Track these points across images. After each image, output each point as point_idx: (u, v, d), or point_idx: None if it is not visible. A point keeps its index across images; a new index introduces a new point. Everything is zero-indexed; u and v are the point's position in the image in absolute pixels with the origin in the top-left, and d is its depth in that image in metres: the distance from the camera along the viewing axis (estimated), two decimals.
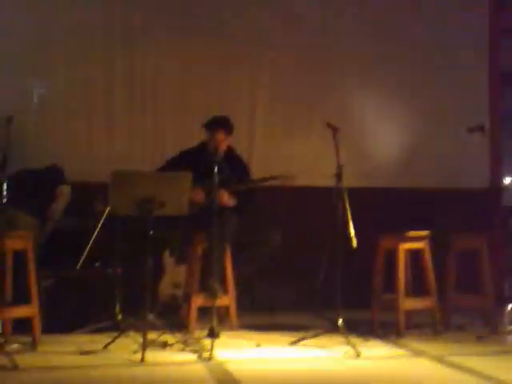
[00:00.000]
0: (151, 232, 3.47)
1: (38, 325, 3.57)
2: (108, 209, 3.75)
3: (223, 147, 4.33)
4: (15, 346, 3.45)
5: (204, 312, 4.04)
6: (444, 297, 4.21)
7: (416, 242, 4.08)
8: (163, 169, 4.33)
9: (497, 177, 5.63)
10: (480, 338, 3.83)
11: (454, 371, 3.19)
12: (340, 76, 5.38)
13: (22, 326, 3.60)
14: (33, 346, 3.51)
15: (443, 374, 3.18)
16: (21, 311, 3.56)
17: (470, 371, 3.15)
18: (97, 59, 4.98)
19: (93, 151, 4.97)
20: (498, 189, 5.47)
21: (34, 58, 4.80)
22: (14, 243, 3.55)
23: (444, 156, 5.44)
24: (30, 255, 3.58)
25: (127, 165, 4.79)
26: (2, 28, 4.76)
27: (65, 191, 4.30)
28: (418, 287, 4.15)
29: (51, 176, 4.36)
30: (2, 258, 3.37)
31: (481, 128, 4.07)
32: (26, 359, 3.22)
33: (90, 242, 3.95)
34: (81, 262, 3.94)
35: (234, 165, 4.40)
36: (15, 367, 3.06)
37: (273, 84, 5.29)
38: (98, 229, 3.95)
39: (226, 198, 4.20)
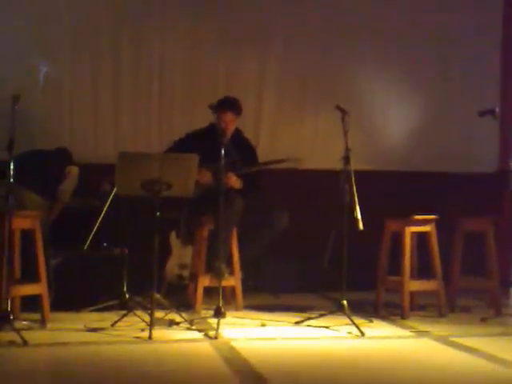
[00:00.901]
0: (158, 213, 3.50)
1: (46, 302, 3.63)
2: (115, 190, 3.78)
3: (231, 128, 4.33)
4: (25, 323, 3.51)
5: (210, 293, 4.09)
6: (449, 279, 4.22)
7: (422, 225, 4.08)
8: (171, 150, 4.34)
9: (505, 161, 5.61)
10: (484, 320, 3.85)
11: (457, 351, 3.21)
12: (350, 59, 5.34)
13: (31, 304, 3.66)
14: (42, 323, 3.57)
15: (446, 353, 3.20)
16: (30, 289, 3.61)
17: (473, 351, 3.17)
18: (104, 41, 4.97)
19: (99, 132, 4.98)
20: (506, 173, 5.44)
21: (41, 39, 4.80)
22: (23, 222, 3.59)
23: (453, 139, 5.42)
24: (38, 234, 3.62)
25: (133, 146, 4.83)
26: (9, 9, 4.76)
27: (74, 171, 4.34)
28: (423, 270, 4.16)
29: (60, 157, 4.39)
30: (10, 237, 3.41)
31: (492, 111, 4.05)
32: (35, 336, 3.27)
33: (97, 222, 3.99)
34: (88, 241, 3.98)
35: (242, 147, 4.41)
36: (25, 343, 3.12)
37: (281, 66, 5.27)
38: (105, 209, 3.99)
39: (234, 181, 4.21)
